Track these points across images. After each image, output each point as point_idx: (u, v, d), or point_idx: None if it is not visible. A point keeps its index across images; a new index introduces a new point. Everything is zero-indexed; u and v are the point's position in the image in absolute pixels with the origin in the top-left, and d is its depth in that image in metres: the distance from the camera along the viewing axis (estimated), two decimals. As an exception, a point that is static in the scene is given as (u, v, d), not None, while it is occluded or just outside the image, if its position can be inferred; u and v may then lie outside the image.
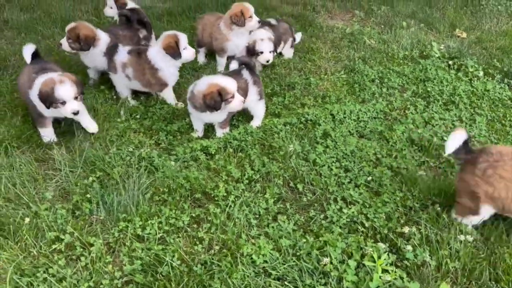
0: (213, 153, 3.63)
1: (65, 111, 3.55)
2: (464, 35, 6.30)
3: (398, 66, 5.24)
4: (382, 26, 6.60)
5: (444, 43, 5.88)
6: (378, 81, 4.88)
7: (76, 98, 3.56)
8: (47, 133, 3.80)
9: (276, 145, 3.71)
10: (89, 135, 3.86)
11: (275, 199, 3.16)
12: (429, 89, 4.67)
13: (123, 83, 4.33)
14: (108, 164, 3.44)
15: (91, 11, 7.14)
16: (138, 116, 4.21)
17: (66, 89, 3.48)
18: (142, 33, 5.27)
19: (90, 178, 3.31)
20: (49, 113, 3.64)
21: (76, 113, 3.58)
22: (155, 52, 4.19)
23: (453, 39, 6.16)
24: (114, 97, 4.52)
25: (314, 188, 3.29)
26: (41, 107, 3.56)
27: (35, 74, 3.65)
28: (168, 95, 4.37)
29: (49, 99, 3.45)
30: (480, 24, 6.70)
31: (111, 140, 3.82)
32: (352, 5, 7.69)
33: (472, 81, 4.83)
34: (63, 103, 3.52)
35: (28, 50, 3.95)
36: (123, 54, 4.24)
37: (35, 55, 3.99)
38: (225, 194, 3.16)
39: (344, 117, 4.16)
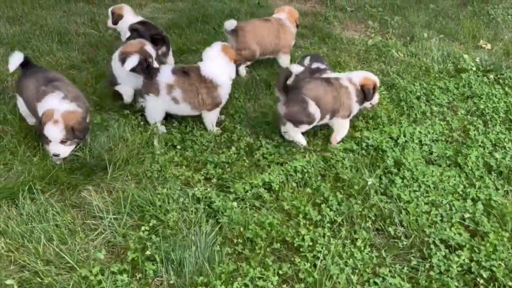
0: (276, 189, 3.13)
1: (49, 149, 3.30)
2: (489, 46, 6.07)
3: (437, 80, 4.91)
4: (404, 38, 6.29)
5: (475, 55, 5.60)
6: (424, 98, 4.52)
7: (64, 142, 3.25)
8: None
9: (346, 177, 3.25)
10: (125, 171, 3.29)
11: (367, 246, 2.70)
12: (481, 106, 4.35)
13: (162, 107, 3.77)
14: (160, 209, 2.88)
15: (88, 23, 6.49)
16: (175, 146, 3.66)
17: (54, 131, 3.20)
18: (161, 49, 4.72)
19: (143, 228, 2.75)
20: None
21: (57, 155, 3.27)
22: (213, 67, 3.74)
23: (480, 50, 5.92)
24: (142, 123, 3.94)
25: (405, 230, 2.85)
26: None
27: (45, 87, 3.40)
28: (213, 117, 3.87)
29: (40, 131, 3.25)
30: (499, 35, 6.50)
31: (152, 176, 3.26)
32: (362, 15, 7.39)
33: (523, 97, 4.55)
34: (49, 142, 3.26)
35: (15, 59, 3.60)
36: (167, 74, 3.69)
37: (26, 63, 3.65)
38: (310, 243, 2.66)
39: (406, 141, 3.76)
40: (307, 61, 4.38)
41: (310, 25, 6.73)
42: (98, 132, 3.70)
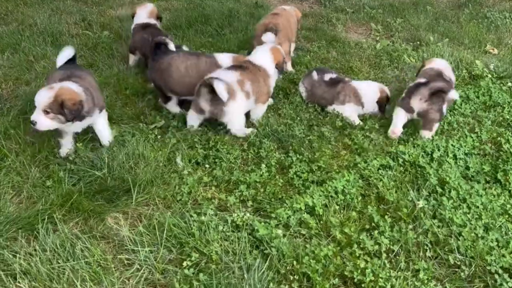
0: (320, 213, 2.90)
1: None
2: (496, 51, 6.02)
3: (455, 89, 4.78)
4: (411, 42, 6.16)
5: (486, 60, 5.52)
6: (448, 108, 4.38)
7: (47, 112, 3.07)
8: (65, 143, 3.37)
9: (391, 198, 3.05)
10: (150, 193, 2.99)
11: (430, 279, 2.51)
12: (507, 116, 4.24)
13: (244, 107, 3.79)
14: (200, 240, 2.60)
15: (80, 23, 6.08)
16: (198, 163, 3.38)
17: (41, 96, 3.08)
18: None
19: (185, 263, 2.47)
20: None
21: (33, 124, 3.09)
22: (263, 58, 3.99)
23: (488, 55, 5.85)
24: (159, 137, 3.64)
25: (463, 257, 2.68)
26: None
27: (66, 77, 3.29)
28: (264, 109, 4.04)
29: None
30: (502, 39, 6.46)
31: (182, 199, 2.98)
32: (363, 17, 7.23)
33: (545, 106, 4.47)
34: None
35: (66, 54, 3.57)
36: (230, 74, 3.75)
37: (72, 59, 3.60)
38: (372, 277, 2.45)
39: (441, 156, 3.60)
40: (315, 75, 4.36)
41: (312, 27, 6.53)
42: (115, 148, 3.37)
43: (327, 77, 4.34)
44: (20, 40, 5.24)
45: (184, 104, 4.03)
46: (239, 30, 5.98)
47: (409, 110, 3.79)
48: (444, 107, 3.84)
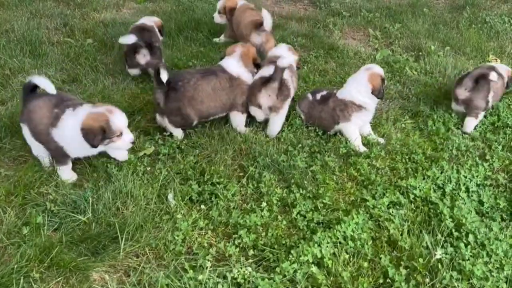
0: (329, 265, 2.63)
1: (123, 143, 3.11)
2: (499, 61, 5.78)
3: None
4: (411, 51, 5.90)
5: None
6: (455, 129, 4.15)
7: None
8: (68, 172, 3.20)
9: (405, 245, 2.80)
10: (140, 242, 2.69)
11: None
12: (517, 140, 4.02)
13: None
14: (198, 304, 2.32)
15: (61, 29, 5.67)
16: (192, 200, 3.09)
17: (121, 120, 3.07)
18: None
19: (181, 336, 2.18)
20: (82, 152, 3.15)
21: (133, 143, 3.21)
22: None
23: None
24: (148, 168, 3.33)
25: (487, 317, 2.45)
26: (71, 146, 3.06)
27: (58, 109, 3.05)
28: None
29: (103, 134, 2.96)
30: (504, 48, 6.23)
31: (176, 249, 2.68)
32: (360, 21, 6.94)
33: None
34: (120, 135, 3.06)
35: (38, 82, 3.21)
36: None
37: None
38: None
39: (453, 190, 3.36)
40: (310, 96, 4.10)
41: (309, 33, 6.21)
42: (101, 183, 3.06)
43: (318, 96, 4.06)
44: (-6, 49, 4.84)
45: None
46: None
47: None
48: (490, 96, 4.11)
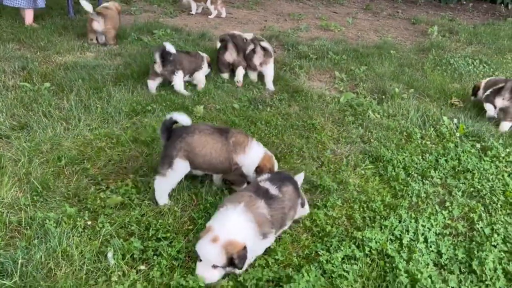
0: (275, 330, 2.45)
1: None
2: (462, 104, 5.83)
3: (422, 150, 4.50)
4: (375, 94, 5.92)
5: (451, 115, 5.29)
6: (416, 175, 4.07)
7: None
8: None
9: (357, 304, 2.64)
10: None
11: None
12: (478, 186, 3.96)
13: None
14: None
15: (19, 72, 5.54)
16: (134, 258, 2.88)
17: None
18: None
19: None
20: None
21: None
22: None
23: (454, 109, 5.64)
24: (89, 223, 3.13)
25: None
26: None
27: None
28: None
29: None
30: (466, 89, 6.31)
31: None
32: (327, 63, 7.00)
33: (516, 172, 4.21)
34: None
35: None
36: None
37: None
38: None
39: (411, 241, 3.24)
40: None
41: (274, 75, 6.18)
42: (35, 241, 2.85)
43: None
44: None
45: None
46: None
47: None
48: None
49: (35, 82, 5.25)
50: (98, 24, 6.62)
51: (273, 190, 3.03)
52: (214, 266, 2.67)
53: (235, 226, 2.71)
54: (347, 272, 2.88)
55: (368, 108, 5.31)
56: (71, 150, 3.95)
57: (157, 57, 5.07)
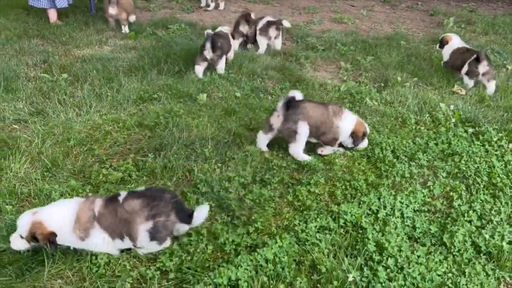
0: (244, 287, 2.71)
1: None
2: (463, 91, 5.89)
3: (415, 134, 4.64)
4: (377, 82, 6.05)
5: (450, 102, 5.38)
6: (404, 157, 4.22)
7: None
8: None
9: (324, 267, 2.86)
10: (65, 265, 2.80)
11: None
12: (463, 168, 4.08)
13: None
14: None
15: (40, 65, 5.99)
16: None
17: None
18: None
19: None
20: None
21: None
22: None
23: (455, 96, 5.71)
24: (88, 192, 3.47)
25: None
26: None
27: None
28: None
29: None
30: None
31: (99, 271, 2.78)
32: (334, 54, 7.16)
33: (505, 156, 4.29)
34: None
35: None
36: None
37: None
38: None
39: (387, 215, 3.42)
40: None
41: (280, 66, 6.43)
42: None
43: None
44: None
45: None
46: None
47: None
48: None
49: (54, 73, 5.67)
50: (112, 9, 7.65)
51: None
52: None
53: None
54: (320, 240, 3.11)
55: (366, 95, 5.46)
56: (80, 133, 4.32)
57: (208, 44, 5.58)
